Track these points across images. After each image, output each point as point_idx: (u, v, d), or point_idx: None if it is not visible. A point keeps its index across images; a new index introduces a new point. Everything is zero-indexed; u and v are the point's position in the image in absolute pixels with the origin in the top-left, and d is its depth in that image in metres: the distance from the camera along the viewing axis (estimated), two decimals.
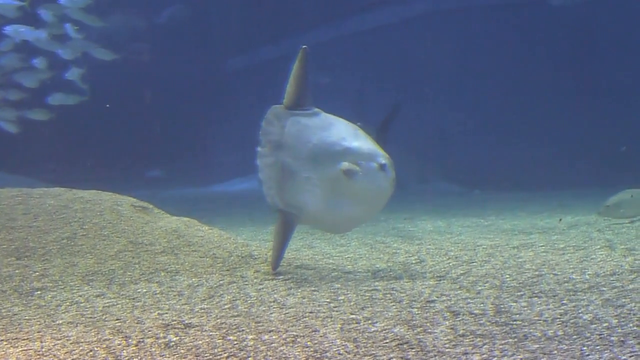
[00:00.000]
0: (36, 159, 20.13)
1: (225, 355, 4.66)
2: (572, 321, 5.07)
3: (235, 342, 4.88)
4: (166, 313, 5.68)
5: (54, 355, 4.76)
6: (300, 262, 7.59)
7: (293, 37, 22.52)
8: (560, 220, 10.89)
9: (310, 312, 5.55)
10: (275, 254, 7.13)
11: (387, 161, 6.86)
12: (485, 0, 20.51)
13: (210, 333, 5.10)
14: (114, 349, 4.83)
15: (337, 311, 5.57)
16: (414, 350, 4.62)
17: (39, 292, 6.42)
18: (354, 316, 5.40)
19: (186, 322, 5.39)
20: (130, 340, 5.00)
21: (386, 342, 4.78)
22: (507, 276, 6.57)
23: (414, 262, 7.62)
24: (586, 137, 19.18)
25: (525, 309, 5.45)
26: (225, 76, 23.87)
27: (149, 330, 5.20)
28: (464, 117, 20.19)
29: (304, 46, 7.12)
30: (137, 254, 7.30)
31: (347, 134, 6.99)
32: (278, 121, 7.11)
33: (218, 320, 5.40)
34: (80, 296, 6.29)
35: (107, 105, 20.45)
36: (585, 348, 4.53)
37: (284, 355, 4.61)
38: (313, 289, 6.38)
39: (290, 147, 7.03)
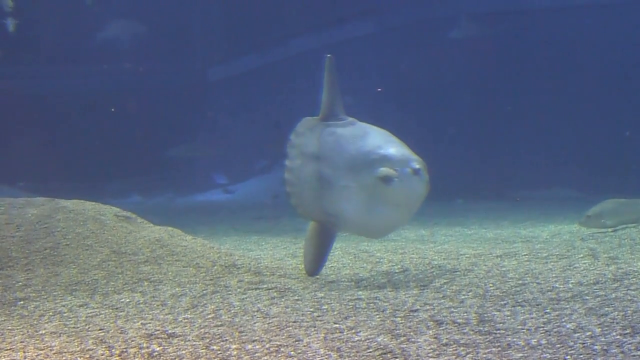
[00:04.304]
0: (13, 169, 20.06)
1: None
2: (555, 330, 5.09)
3: (219, 352, 4.87)
4: (149, 323, 5.67)
5: None
6: (284, 272, 7.59)
7: (276, 46, 22.59)
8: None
9: (294, 322, 5.55)
10: (313, 261, 7.30)
11: (421, 165, 6.98)
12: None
13: (194, 343, 5.09)
14: (97, 359, 4.82)
15: (320, 320, 5.57)
16: (397, 359, 4.62)
17: (22, 302, 6.40)
18: (337, 325, 5.40)
19: (169, 331, 5.38)
20: (113, 350, 4.99)
21: (370, 352, 4.78)
22: (491, 285, 6.58)
23: (397, 271, 7.63)
24: (573, 143, 19.11)
25: (509, 318, 5.46)
26: (208, 86, 23.88)
27: (132, 340, 5.19)
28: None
29: (328, 55, 7.21)
30: (120, 264, 7.29)
31: (382, 141, 7.13)
32: (311, 133, 7.22)
33: (201, 330, 5.39)
34: (64, 306, 6.27)
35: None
36: (568, 357, 4.54)
37: None
38: (296, 298, 6.38)
39: (328, 157, 7.17)
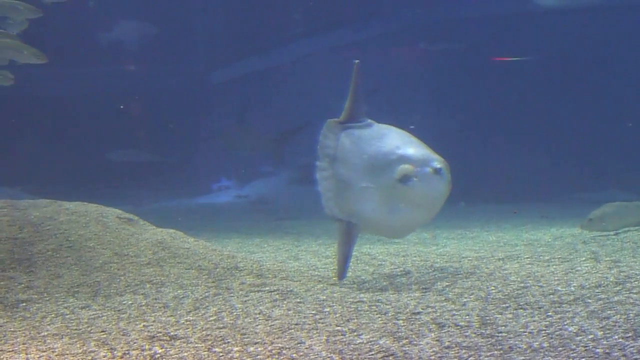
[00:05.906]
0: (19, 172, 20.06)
1: None
2: (557, 333, 5.09)
3: (221, 354, 4.88)
4: (151, 325, 5.67)
5: None
6: (286, 274, 7.59)
7: (278, 48, 22.60)
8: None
9: (296, 324, 5.55)
10: (340, 264, 7.31)
11: (442, 165, 7.02)
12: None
13: (196, 345, 5.09)
14: None
15: (322, 323, 5.57)
16: None
17: (24, 304, 6.40)
18: (339, 328, 5.41)
19: (172, 334, 5.38)
20: (115, 352, 4.99)
21: (372, 354, 4.78)
22: (493, 288, 6.58)
23: (399, 273, 7.63)
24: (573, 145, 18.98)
25: (511, 320, 5.46)
26: (210, 87, 23.86)
27: (135, 342, 5.19)
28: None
29: (356, 60, 7.25)
30: (122, 266, 7.29)
31: (400, 142, 7.17)
32: (333, 135, 7.28)
33: (203, 332, 5.39)
34: (66, 308, 6.27)
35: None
36: None
37: None
38: (299, 300, 6.38)
39: (346, 158, 7.24)
